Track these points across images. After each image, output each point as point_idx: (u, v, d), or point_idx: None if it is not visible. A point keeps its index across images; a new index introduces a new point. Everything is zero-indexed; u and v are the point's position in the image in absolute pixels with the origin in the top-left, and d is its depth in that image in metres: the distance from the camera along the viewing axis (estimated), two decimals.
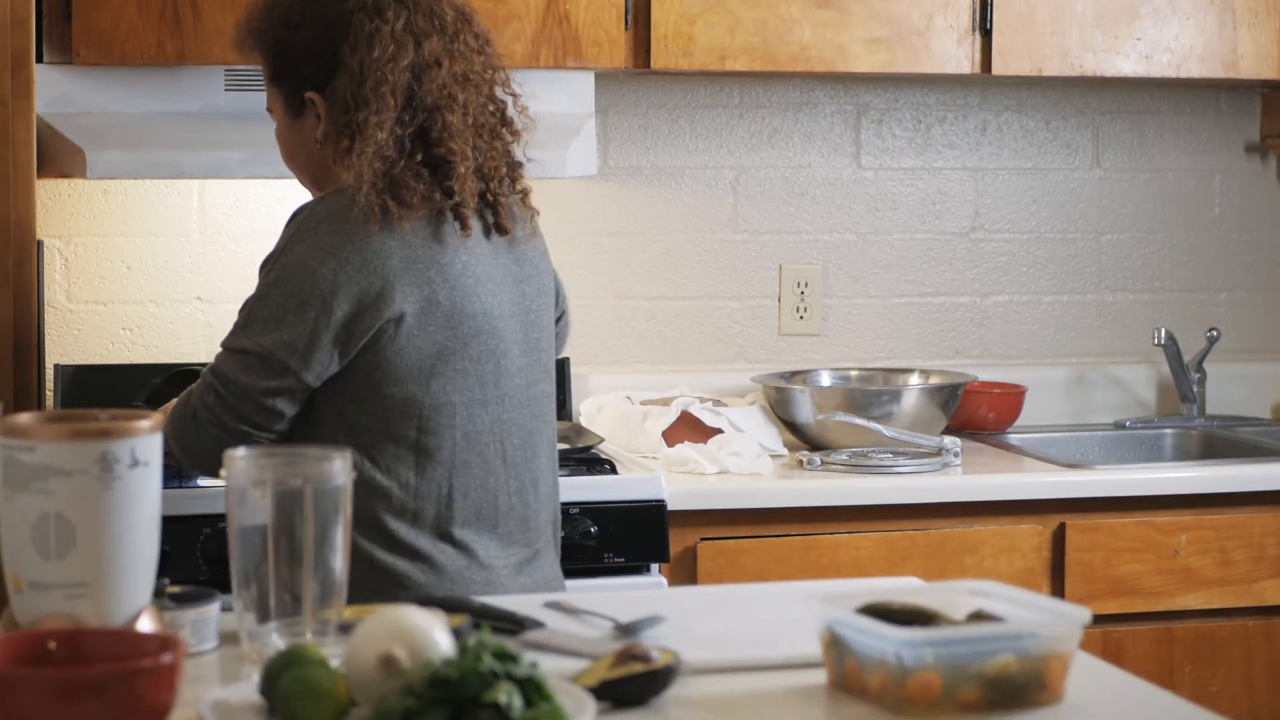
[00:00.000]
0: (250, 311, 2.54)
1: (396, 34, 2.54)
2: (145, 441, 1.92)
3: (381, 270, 2.49)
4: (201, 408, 2.54)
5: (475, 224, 2.59)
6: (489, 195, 2.60)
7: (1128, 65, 3.77)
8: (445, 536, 2.56)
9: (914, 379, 3.87)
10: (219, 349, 2.57)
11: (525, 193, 2.68)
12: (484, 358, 2.57)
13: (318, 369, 2.51)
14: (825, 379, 3.92)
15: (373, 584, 2.49)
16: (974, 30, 3.68)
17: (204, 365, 2.70)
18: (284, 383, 2.50)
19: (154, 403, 2.86)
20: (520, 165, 2.67)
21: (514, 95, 2.66)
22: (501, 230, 2.60)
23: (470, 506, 2.57)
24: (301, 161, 2.68)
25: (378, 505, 2.54)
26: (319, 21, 2.59)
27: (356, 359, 2.52)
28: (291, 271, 2.50)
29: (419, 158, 2.54)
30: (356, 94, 2.54)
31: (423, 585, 2.53)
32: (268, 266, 2.55)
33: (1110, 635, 3.46)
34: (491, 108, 2.63)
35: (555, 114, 3.56)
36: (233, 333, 2.56)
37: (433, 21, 2.56)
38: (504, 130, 2.64)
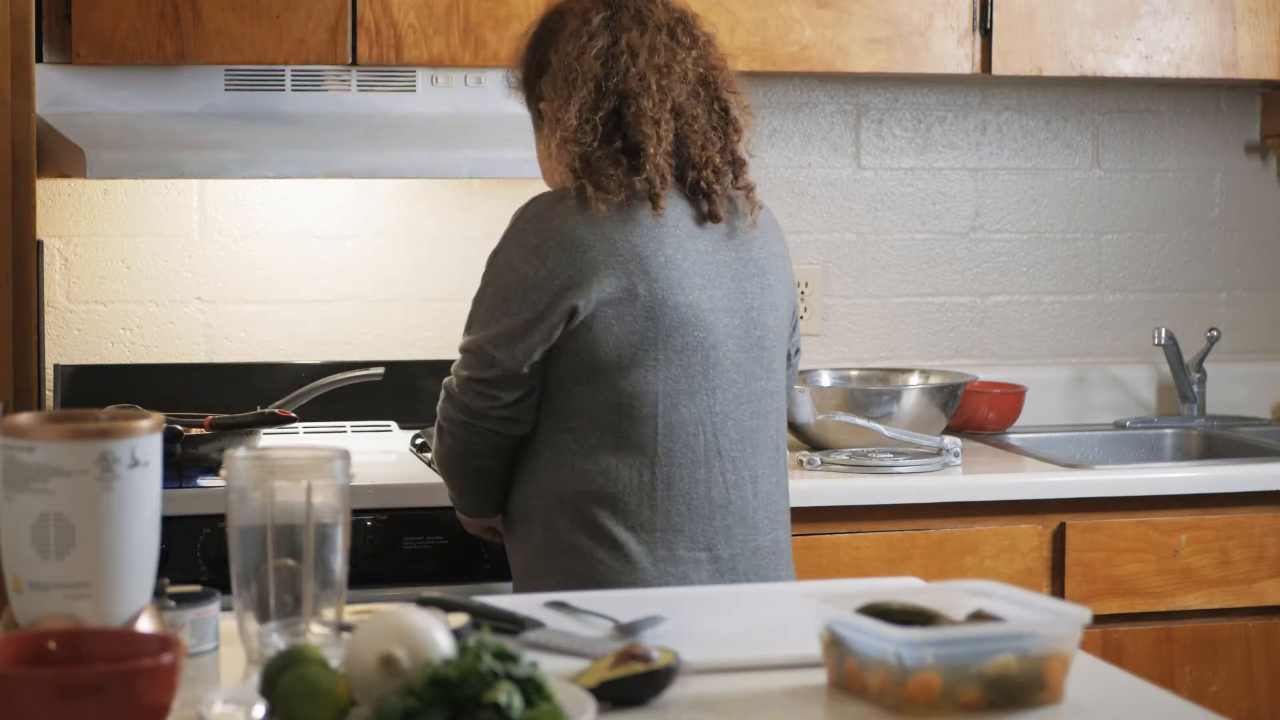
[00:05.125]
0: (471, 312, 2.74)
1: (592, 29, 2.68)
2: (145, 441, 1.92)
3: (580, 263, 2.62)
4: (442, 419, 2.76)
5: (687, 211, 2.68)
6: (701, 183, 2.69)
7: (1128, 65, 3.77)
8: (643, 526, 2.65)
9: (914, 379, 3.87)
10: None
11: (749, 188, 2.74)
12: (691, 349, 2.66)
13: (520, 357, 2.65)
14: (825, 379, 3.92)
15: (565, 566, 2.66)
16: (974, 30, 3.68)
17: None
18: (494, 373, 2.66)
19: None
20: (743, 163, 2.74)
21: (735, 94, 2.74)
22: (714, 218, 2.69)
23: (676, 496, 2.66)
24: (546, 178, 2.82)
25: (581, 490, 2.67)
26: (540, 36, 2.77)
27: (561, 346, 2.65)
28: (500, 272, 2.68)
29: (616, 144, 2.66)
30: (553, 87, 2.70)
31: (612, 574, 2.65)
32: (487, 266, 2.72)
33: (1110, 635, 3.46)
34: (704, 101, 2.71)
35: None
36: (463, 334, 2.74)
37: (637, 18, 2.69)
38: (723, 125, 2.72)
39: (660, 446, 2.66)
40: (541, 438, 2.71)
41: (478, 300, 2.72)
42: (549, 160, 2.76)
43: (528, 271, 2.64)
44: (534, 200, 2.70)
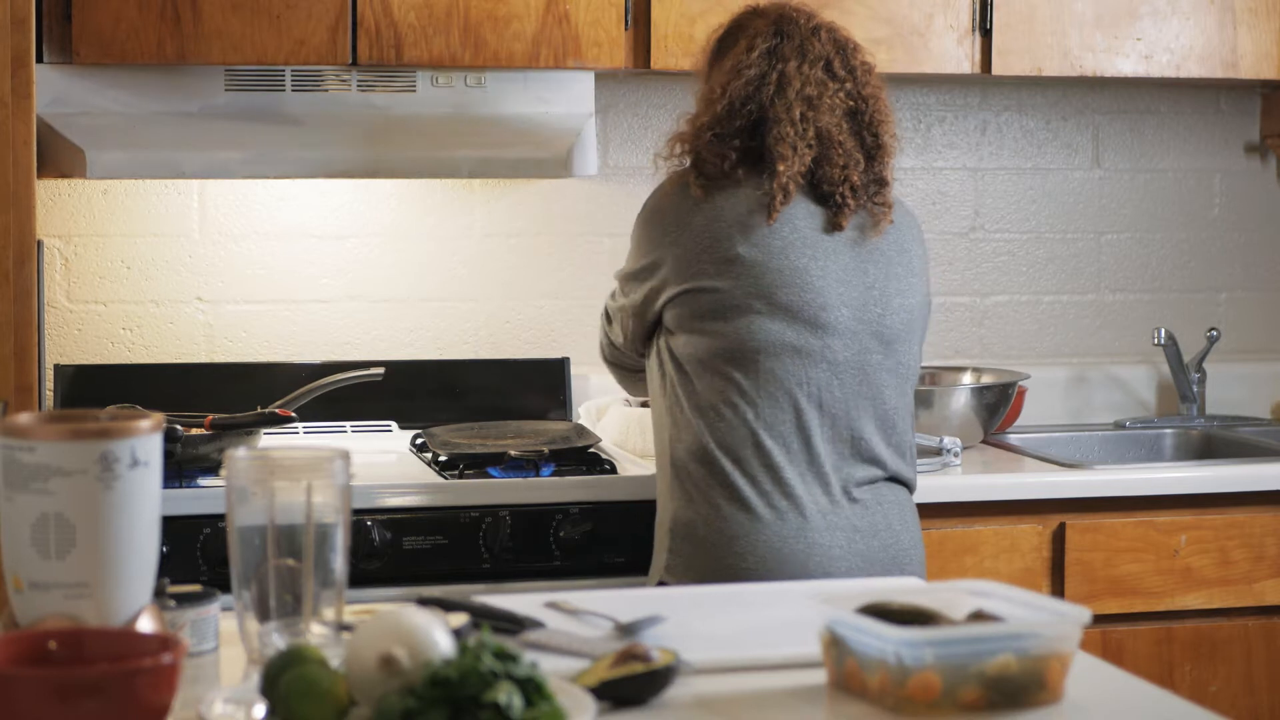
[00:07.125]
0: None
1: (752, 57, 2.92)
2: (145, 441, 1.92)
3: (691, 228, 2.87)
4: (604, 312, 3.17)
5: (815, 212, 2.88)
6: (836, 196, 2.89)
7: (1128, 65, 3.77)
8: (761, 475, 2.82)
9: (966, 377, 3.90)
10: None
11: (887, 206, 2.93)
12: (796, 308, 2.86)
13: (636, 297, 2.96)
14: None
15: (704, 517, 2.85)
16: (974, 30, 3.68)
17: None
18: (618, 303, 3.04)
19: None
20: (886, 183, 2.94)
21: (884, 121, 2.95)
22: (836, 226, 2.89)
23: (779, 441, 2.84)
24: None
25: (694, 435, 2.86)
26: (721, 41, 3.02)
27: (676, 298, 2.89)
28: (637, 228, 3.00)
29: (735, 143, 2.89)
30: (703, 93, 2.97)
31: (736, 521, 2.83)
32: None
33: (1110, 635, 3.46)
34: (852, 129, 2.92)
35: (555, 114, 3.55)
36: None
37: (799, 51, 2.91)
38: (870, 150, 2.92)
39: (763, 390, 2.84)
40: (666, 401, 2.92)
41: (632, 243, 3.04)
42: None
43: (652, 233, 2.93)
44: (666, 178, 2.96)
